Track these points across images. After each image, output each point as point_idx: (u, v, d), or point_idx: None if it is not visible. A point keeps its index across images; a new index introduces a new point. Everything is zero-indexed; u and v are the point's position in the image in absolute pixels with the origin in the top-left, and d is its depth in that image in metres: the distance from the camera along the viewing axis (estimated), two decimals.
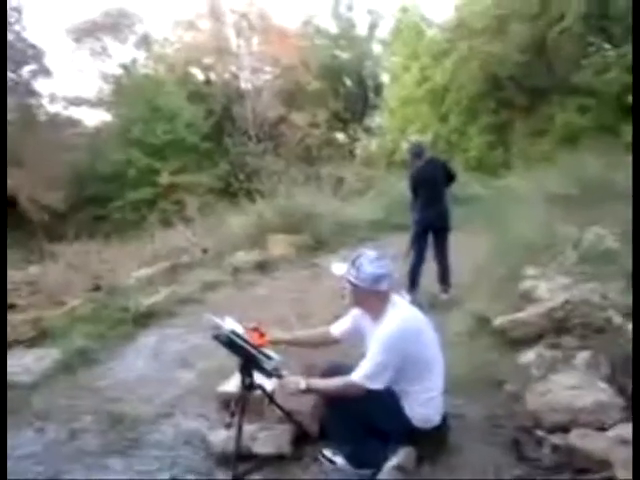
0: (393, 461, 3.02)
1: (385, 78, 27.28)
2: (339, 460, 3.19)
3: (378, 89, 27.12)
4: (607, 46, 17.47)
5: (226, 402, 3.78)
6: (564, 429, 3.11)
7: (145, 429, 3.98)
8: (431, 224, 6.56)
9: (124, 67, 28.34)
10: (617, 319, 4.06)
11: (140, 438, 3.86)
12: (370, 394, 2.98)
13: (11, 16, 23.67)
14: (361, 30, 29.48)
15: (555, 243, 6.84)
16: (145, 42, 29.19)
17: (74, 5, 48.20)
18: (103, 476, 3.47)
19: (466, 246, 7.80)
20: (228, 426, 3.20)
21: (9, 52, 22.93)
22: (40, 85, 25.66)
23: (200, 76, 28.91)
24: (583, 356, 3.77)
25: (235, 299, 7.40)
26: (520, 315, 4.72)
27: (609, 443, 2.86)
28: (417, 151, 6.82)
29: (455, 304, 6.06)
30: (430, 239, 6.63)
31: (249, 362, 3.10)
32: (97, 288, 7.65)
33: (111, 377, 5.11)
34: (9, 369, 4.94)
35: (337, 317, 3.60)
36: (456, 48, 19.63)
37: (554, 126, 17.25)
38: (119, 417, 4.14)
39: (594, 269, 5.49)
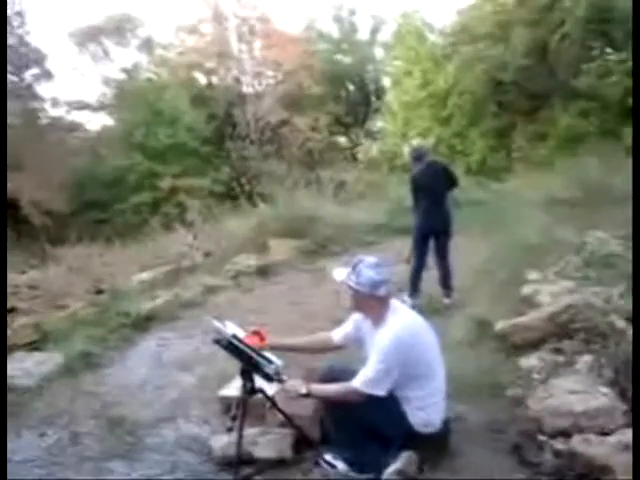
0: (394, 466, 3.02)
1: (387, 82, 27.31)
2: (340, 464, 3.18)
3: (380, 93, 27.14)
4: (608, 50, 17.48)
5: (227, 406, 3.78)
6: (566, 434, 3.10)
7: (146, 433, 3.98)
8: (432, 228, 6.54)
9: (126, 71, 28.38)
10: (620, 323, 4.04)
11: (141, 442, 3.86)
12: (371, 399, 2.97)
13: (14, 20, 23.75)
14: (363, 34, 29.58)
15: (557, 247, 6.84)
16: (147, 46, 29.25)
17: (77, 9, 48.43)
18: None
19: (468, 250, 7.79)
20: (229, 430, 3.19)
21: (12, 56, 23.04)
22: (43, 89, 25.74)
23: (202, 80, 28.95)
24: (585, 360, 3.76)
25: (236, 303, 7.39)
26: (522, 319, 4.72)
27: (611, 448, 2.85)
28: (418, 154, 6.80)
29: (457, 308, 6.05)
30: (431, 243, 6.61)
31: (250, 366, 3.09)
32: (99, 291, 7.65)
33: (112, 381, 5.11)
34: (10, 372, 4.94)
35: (339, 322, 3.60)
36: (458, 52, 19.66)
37: (556, 130, 17.26)
38: (120, 421, 4.14)
39: (596, 273, 5.49)
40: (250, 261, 9.07)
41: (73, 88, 50.38)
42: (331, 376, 3.22)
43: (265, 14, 27.42)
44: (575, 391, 3.34)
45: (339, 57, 29.42)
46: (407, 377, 3.03)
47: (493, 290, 6.14)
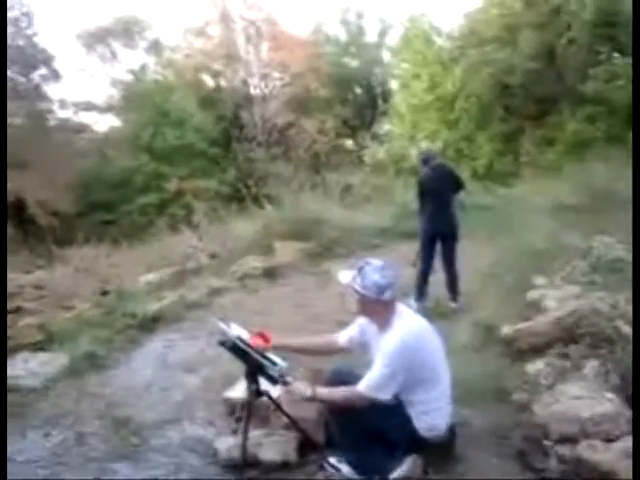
0: (399, 470, 3.01)
1: (394, 85, 27.30)
2: (344, 468, 3.18)
3: (387, 96, 27.15)
4: (616, 55, 17.44)
5: (232, 408, 3.78)
6: (572, 440, 3.09)
7: (151, 434, 3.98)
8: (438, 232, 6.53)
9: (134, 73, 28.48)
10: (626, 329, 4.02)
11: (146, 443, 3.86)
12: (376, 403, 2.97)
13: (22, 21, 23.86)
14: (370, 37, 29.60)
15: (564, 252, 6.82)
16: (155, 48, 29.35)
17: (85, 11, 48.62)
18: None
19: (474, 254, 7.79)
20: (234, 432, 3.19)
21: (20, 56, 23.15)
22: (50, 90, 25.84)
23: (209, 82, 29.02)
24: (591, 366, 3.74)
25: (242, 305, 7.39)
26: (528, 324, 4.71)
27: (616, 455, 2.84)
28: (425, 158, 6.80)
29: (463, 313, 6.04)
30: (438, 247, 6.61)
31: (255, 368, 3.08)
32: (105, 292, 7.67)
33: (117, 382, 5.11)
34: (15, 373, 4.96)
35: (344, 325, 3.59)
36: (465, 56, 19.64)
37: (564, 135, 17.20)
38: (125, 422, 4.14)
39: (603, 278, 5.47)
40: (256, 263, 9.07)
41: (81, 89, 50.51)
42: (338, 379, 3.21)
43: (272, 16, 27.52)
44: (581, 397, 3.33)
45: (346, 60, 29.41)
46: (412, 381, 3.02)
47: (499, 294, 6.14)
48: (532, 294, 5.68)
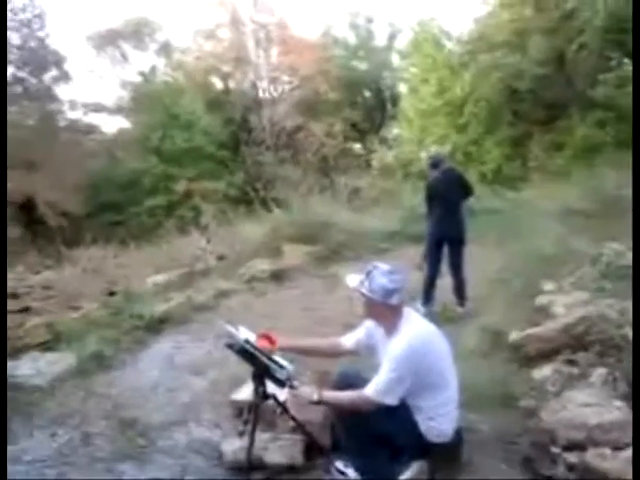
0: (406, 475, 3.01)
1: (403, 89, 27.30)
2: (351, 472, 3.17)
3: (396, 100, 27.14)
4: (626, 60, 17.37)
5: (239, 410, 3.78)
6: (579, 447, 3.07)
7: (157, 435, 3.99)
8: (445, 236, 6.51)
9: (143, 75, 28.59)
10: None
11: (152, 444, 3.87)
12: (383, 407, 2.95)
13: (35, 23, 24.01)
14: (380, 41, 29.59)
15: (572, 258, 6.79)
16: (165, 50, 29.48)
17: (96, 13, 48.89)
18: None
19: (482, 259, 7.76)
20: (241, 434, 3.19)
21: (31, 58, 23.30)
22: (61, 91, 25.99)
23: (219, 85, 29.10)
24: (600, 373, 3.72)
25: (249, 307, 7.40)
26: (536, 330, 4.68)
27: (624, 464, 2.82)
28: (434, 162, 6.78)
29: (471, 318, 6.02)
30: (446, 251, 6.59)
31: (262, 371, 3.08)
32: (112, 293, 7.69)
33: (124, 383, 5.12)
34: (22, 372, 4.98)
35: (352, 328, 3.58)
36: (475, 60, 19.61)
37: (573, 140, 17.14)
38: (131, 423, 4.15)
39: (612, 285, 5.44)
40: (264, 266, 9.08)
41: (91, 91, 50.86)
42: (345, 382, 3.20)
43: (282, 20, 27.61)
44: (589, 404, 3.31)
45: (355, 63, 29.42)
46: (419, 386, 3.01)
47: (507, 300, 6.11)
48: (540, 300, 5.65)
